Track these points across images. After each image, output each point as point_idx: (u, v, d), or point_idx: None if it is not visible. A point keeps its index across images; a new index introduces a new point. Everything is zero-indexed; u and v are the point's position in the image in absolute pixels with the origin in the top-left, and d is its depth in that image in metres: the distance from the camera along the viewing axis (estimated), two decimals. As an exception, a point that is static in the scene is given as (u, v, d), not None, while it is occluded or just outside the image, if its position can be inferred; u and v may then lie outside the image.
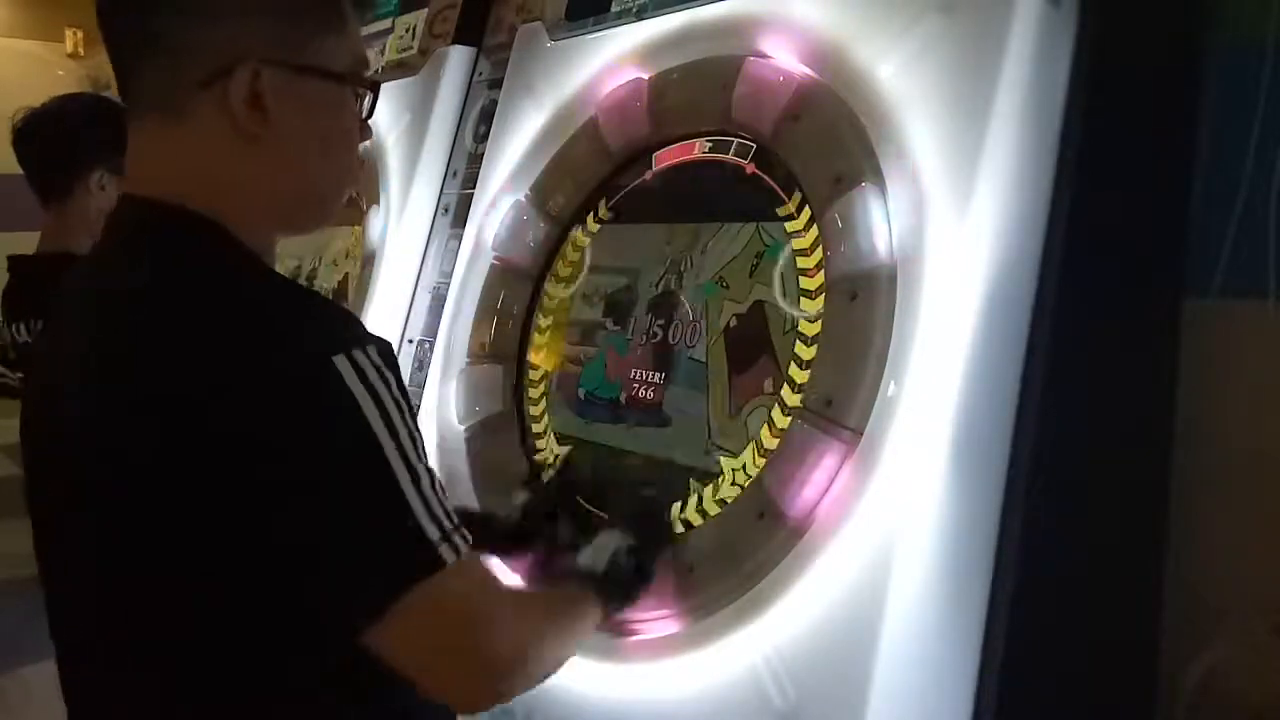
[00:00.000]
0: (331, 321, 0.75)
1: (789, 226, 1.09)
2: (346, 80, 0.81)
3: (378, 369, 0.70)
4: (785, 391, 1.04)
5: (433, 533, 0.71)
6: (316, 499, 0.69)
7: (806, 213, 1.07)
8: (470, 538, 0.75)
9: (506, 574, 1.12)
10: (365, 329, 0.75)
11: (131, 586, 0.74)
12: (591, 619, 0.94)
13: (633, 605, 1.01)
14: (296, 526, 0.69)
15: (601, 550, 1.01)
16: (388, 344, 0.73)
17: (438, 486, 0.73)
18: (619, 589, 0.99)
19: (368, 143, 0.88)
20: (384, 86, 1.81)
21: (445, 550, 0.71)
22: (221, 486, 0.68)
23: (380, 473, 0.69)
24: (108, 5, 0.78)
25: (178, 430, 0.68)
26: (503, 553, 1.13)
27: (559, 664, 0.86)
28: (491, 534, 1.12)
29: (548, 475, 1.23)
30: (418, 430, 0.73)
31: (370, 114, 0.85)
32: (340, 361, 0.68)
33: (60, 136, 1.68)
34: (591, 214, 1.34)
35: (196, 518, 0.69)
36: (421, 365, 1.58)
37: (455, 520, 0.74)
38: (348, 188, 0.88)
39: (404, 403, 0.72)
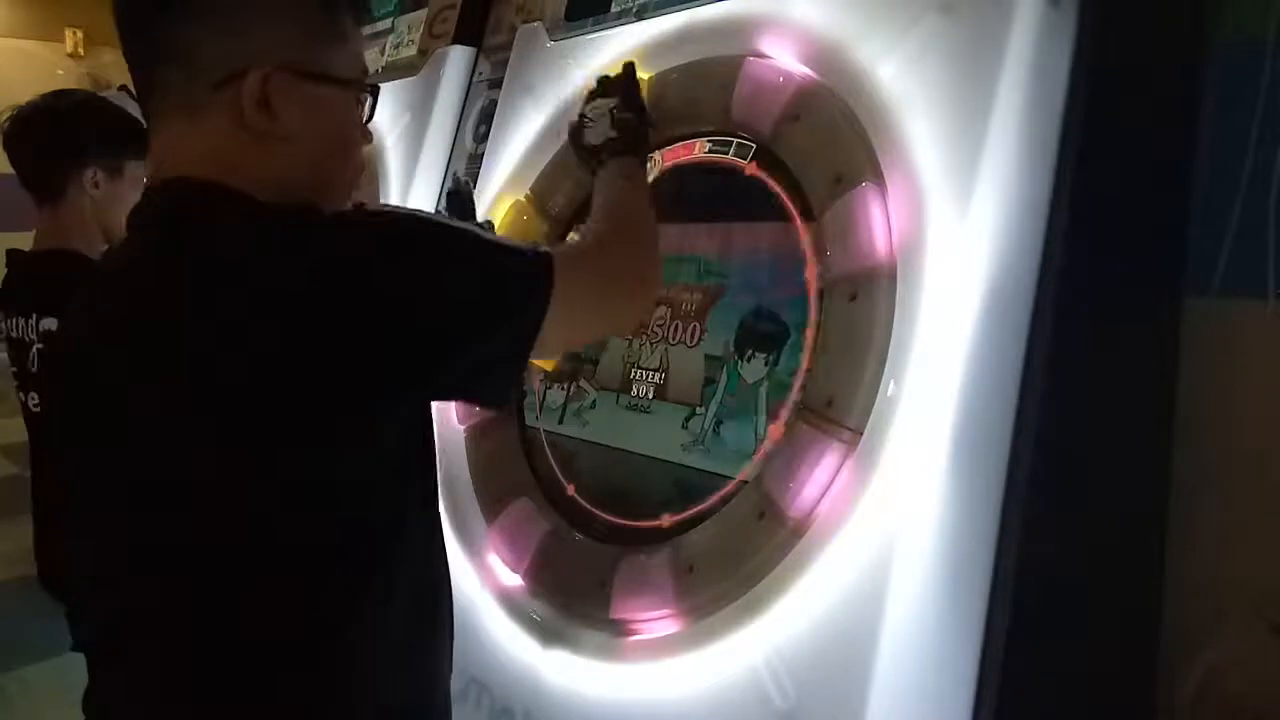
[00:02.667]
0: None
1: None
2: (350, 86, 0.88)
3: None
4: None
5: (526, 247, 0.87)
6: (432, 280, 0.79)
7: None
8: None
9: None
10: None
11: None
12: (643, 178, 1.14)
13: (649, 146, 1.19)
14: (428, 318, 0.79)
15: (599, 119, 1.16)
16: None
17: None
18: (636, 137, 1.15)
19: (368, 146, 0.96)
20: (384, 86, 1.82)
21: (544, 254, 0.86)
22: (365, 343, 0.76)
23: (455, 233, 0.84)
24: (127, 16, 0.84)
25: (282, 329, 0.75)
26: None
27: (655, 231, 1.06)
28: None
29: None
30: None
31: (370, 117, 0.92)
32: (384, 212, 0.83)
33: (51, 134, 1.67)
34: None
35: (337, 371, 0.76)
36: (421, 365, 1.58)
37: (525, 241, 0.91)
38: (351, 188, 0.94)
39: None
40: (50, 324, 1.60)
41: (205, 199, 0.81)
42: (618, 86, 1.20)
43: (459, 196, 1.36)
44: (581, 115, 1.20)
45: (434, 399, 0.89)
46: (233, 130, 0.82)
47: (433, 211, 0.82)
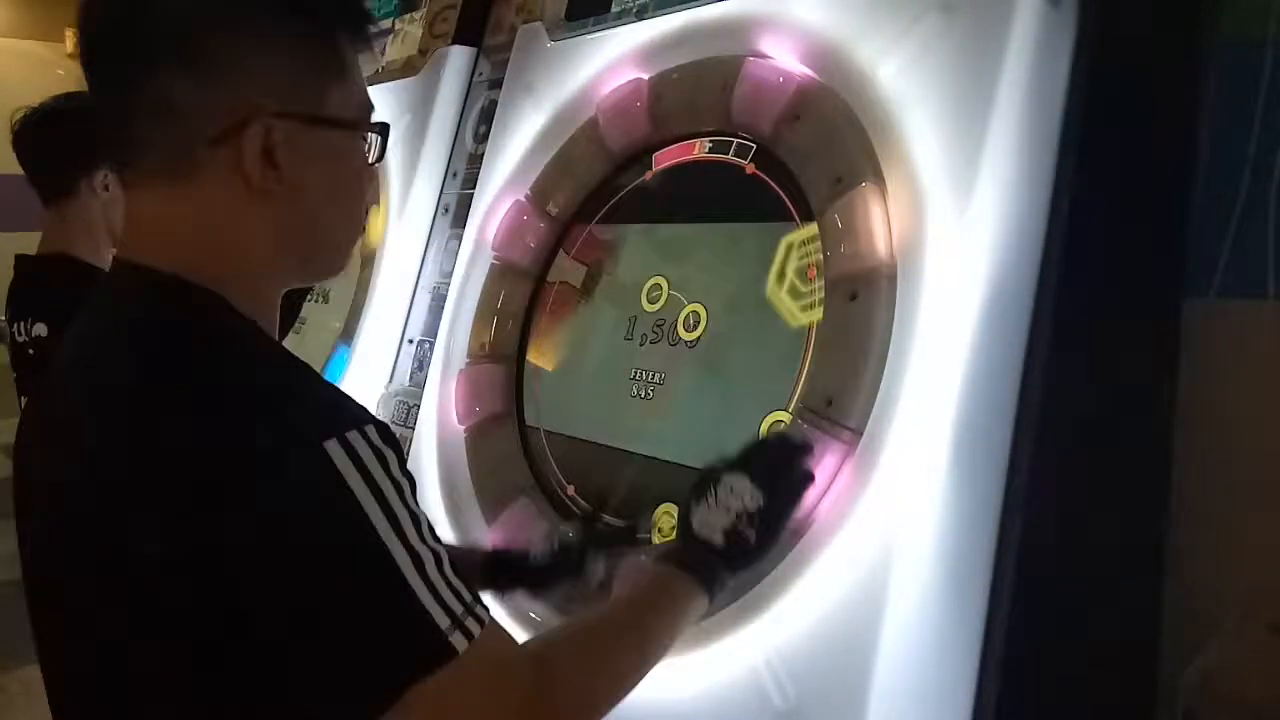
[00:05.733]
0: (325, 404, 0.73)
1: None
2: (356, 127, 0.80)
3: (374, 450, 0.68)
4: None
5: (442, 620, 0.67)
6: (310, 590, 0.66)
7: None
8: (487, 618, 0.71)
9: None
10: (362, 409, 0.72)
11: (116, 668, 0.73)
12: (691, 617, 0.87)
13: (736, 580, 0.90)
14: (290, 621, 0.66)
15: (722, 509, 0.88)
16: (385, 425, 0.70)
17: (447, 569, 0.70)
18: (736, 567, 0.89)
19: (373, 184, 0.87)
20: (384, 87, 1.82)
21: (457, 638, 0.68)
22: (212, 582, 0.66)
23: (378, 559, 0.66)
24: (99, 66, 0.75)
25: (168, 527, 0.67)
26: (535, 587, 1.10)
27: (636, 682, 0.82)
28: (522, 570, 1.10)
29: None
30: (421, 512, 0.71)
31: (380, 158, 0.84)
32: (332, 446, 0.66)
33: (62, 135, 1.67)
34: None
35: (185, 614, 0.67)
36: (421, 365, 1.58)
37: (469, 600, 0.70)
38: (359, 234, 0.87)
39: (404, 484, 0.69)
40: (41, 329, 1.62)
41: (174, 330, 0.73)
42: (776, 482, 0.91)
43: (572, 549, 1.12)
44: (714, 476, 0.91)
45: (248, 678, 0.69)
46: (229, 192, 0.74)
47: (390, 511, 0.67)
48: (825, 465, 0.96)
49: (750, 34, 1.17)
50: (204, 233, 0.75)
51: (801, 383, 1.02)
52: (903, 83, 0.99)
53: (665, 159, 1.27)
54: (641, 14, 1.34)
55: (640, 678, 0.83)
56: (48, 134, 1.67)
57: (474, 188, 1.56)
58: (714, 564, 0.89)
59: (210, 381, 0.70)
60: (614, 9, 1.40)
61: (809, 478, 0.93)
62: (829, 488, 0.96)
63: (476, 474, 1.33)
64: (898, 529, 0.89)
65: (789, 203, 1.10)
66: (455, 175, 1.70)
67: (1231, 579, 1.04)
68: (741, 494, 0.89)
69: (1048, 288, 0.93)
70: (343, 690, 0.68)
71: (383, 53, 1.92)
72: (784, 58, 1.13)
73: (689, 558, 0.89)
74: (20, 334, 1.66)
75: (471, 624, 0.69)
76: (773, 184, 1.13)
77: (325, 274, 0.86)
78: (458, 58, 1.73)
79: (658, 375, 1.19)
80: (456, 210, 1.65)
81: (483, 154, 1.57)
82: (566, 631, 0.86)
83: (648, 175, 1.29)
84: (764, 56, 1.15)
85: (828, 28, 1.09)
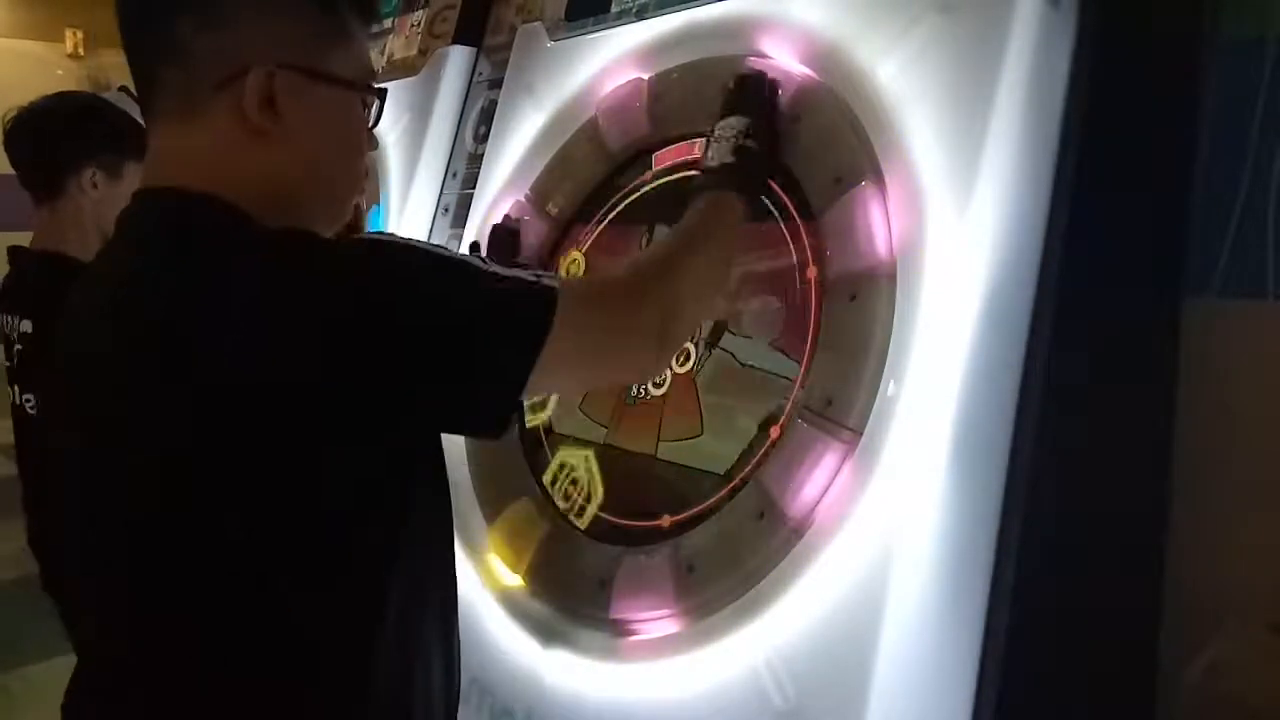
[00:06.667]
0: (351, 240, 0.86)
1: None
2: (354, 87, 0.87)
3: (402, 238, 0.80)
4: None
5: (528, 276, 0.81)
6: (418, 314, 0.76)
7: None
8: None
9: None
10: None
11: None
12: (734, 216, 1.02)
13: (765, 184, 1.09)
14: (411, 351, 0.76)
15: (723, 141, 1.05)
16: None
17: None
18: (754, 171, 1.05)
19: (373, 151, 0.94)
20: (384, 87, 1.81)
21: (548, 281, 0.81)
22: (349, 379, 0.74)
23: (446, 264, 0.79)
24: (131, 14, 0.83)
25: (294, 352, 0.73)
26: None
27: (716, 283, 1.00)
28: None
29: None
30: None
31: (377, 122, 0.91)
32: (378, 237, 0.81)
33: (51, 134, 1.68)
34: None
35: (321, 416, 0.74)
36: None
37: (532, 267, 0.87)
38: (355, 193, 0.93)
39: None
40: (27, 326, 1.62)
41: (198, 213, 0.80)
42: (753, 105, 1.06)
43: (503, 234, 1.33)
44: (711, 130, 1.08)
45: (422, 428, 0.83)
46: (233, 131, 0.81)
47: (429, 241, 0.82)
48: (825, 465, 0.96)
49: (750, 34, 1.17)
50: (210, 165, 0.81)
51: (801, 383, 1.03)
52: (902, 83, 0.99)
53: (665, 159, 1.27)
54: (641, 14, 1.34)
55: (713, 278, 0.98)
56: (37, 133, 1.68)
57: (474, 188, 1.56)
58: (733, 174, 1.03)
59: (259, 246, 0.78)
60: (614, 9, 1.40)
61: (774, 86, 1.09)
62: (829, 488, 0.96)
63: (477, 476, 1.33)
64: (898, 529, 0.89)
65: (789, 203, 1.10)
66: (455, 175, 1.70)
67: (1231, 579, 1.04)
68: (731, 125, 1.05)
69: (1048, 288, 0.93)
70: (494, 370, 0.79)
71: (383, 52, 1.93)
72: (784, 58, 1.13)
73: (713, 180, 1.03)
74: (6, 326, 1.66)
75: (547, 278, 0.82)
76: (773, 184, 1.13)
77: (322, 224, 0.92)
78: (458, 58, 1.73)
79: (656, 376, 1.19)
80: (456, 210, 1.65)
81: (483, 154, 1.57)
82: (650, 250, 1.02)
83: (647, 175, 1.29)
84: (764, 56, 1.15)
85: (827, 28, 1.09)
